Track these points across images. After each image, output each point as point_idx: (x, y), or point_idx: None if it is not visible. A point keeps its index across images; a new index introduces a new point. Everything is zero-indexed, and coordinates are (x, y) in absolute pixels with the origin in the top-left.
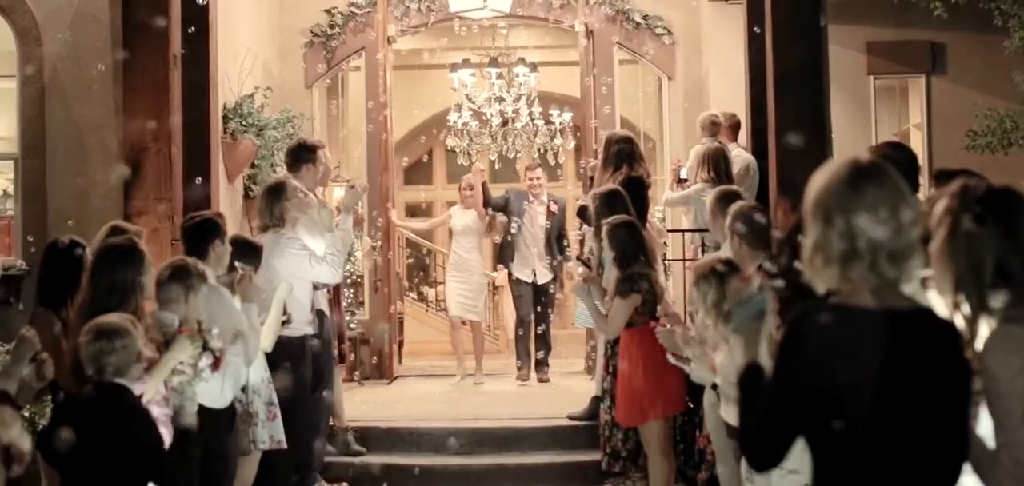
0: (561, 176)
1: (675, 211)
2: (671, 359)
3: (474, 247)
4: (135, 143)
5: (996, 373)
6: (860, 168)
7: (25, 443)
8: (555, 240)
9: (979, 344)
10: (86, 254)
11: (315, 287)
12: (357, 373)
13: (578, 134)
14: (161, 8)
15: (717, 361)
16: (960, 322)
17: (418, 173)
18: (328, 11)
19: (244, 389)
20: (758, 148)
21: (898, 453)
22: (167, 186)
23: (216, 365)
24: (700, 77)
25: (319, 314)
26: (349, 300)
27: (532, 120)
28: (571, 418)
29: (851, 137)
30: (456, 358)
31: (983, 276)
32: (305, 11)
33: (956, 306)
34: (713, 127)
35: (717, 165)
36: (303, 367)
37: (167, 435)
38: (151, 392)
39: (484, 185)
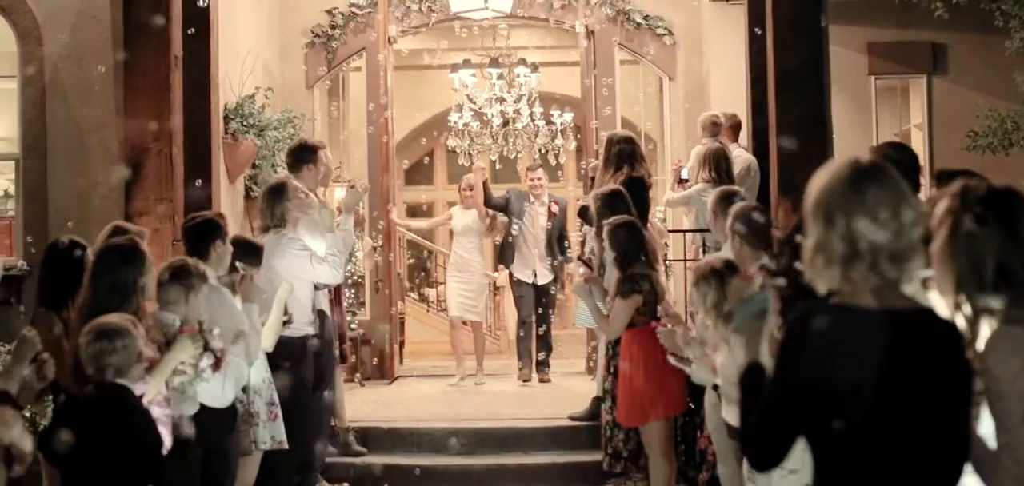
0: (562, 177)
1: (676, 211)
2: (672, 360)
3: (474, 247)
4: (136, 143)
5: (997, 373)
6: (861, 168)
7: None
8: (556, 241)
9: (980, 344)
10: (87, 255)
11: (316, 287)
12: (358, 374)
13: (579, 135)
14: (162, 8)
15: (717, 362)
16: (961, 322)
17: (419, 174)
18: (329, 11)
19: (245, 389)
20: (759, 148)
21: (899, 453)
22: (168, 186)
23: (217, 365)
24: (701, 77)
25: (320, 314)
26: (350, 300)
27: (533, 120)
28: (572, 418)
29: (852, 137)
30: (455, 359)
31: (984, 276)
32: (306, 11)
33: (957, 306)
34: (714, 127)
35: (718, 165)
36: (304, 367)
37: (168, 435)
38: (152, 392)
39: (485, 184)
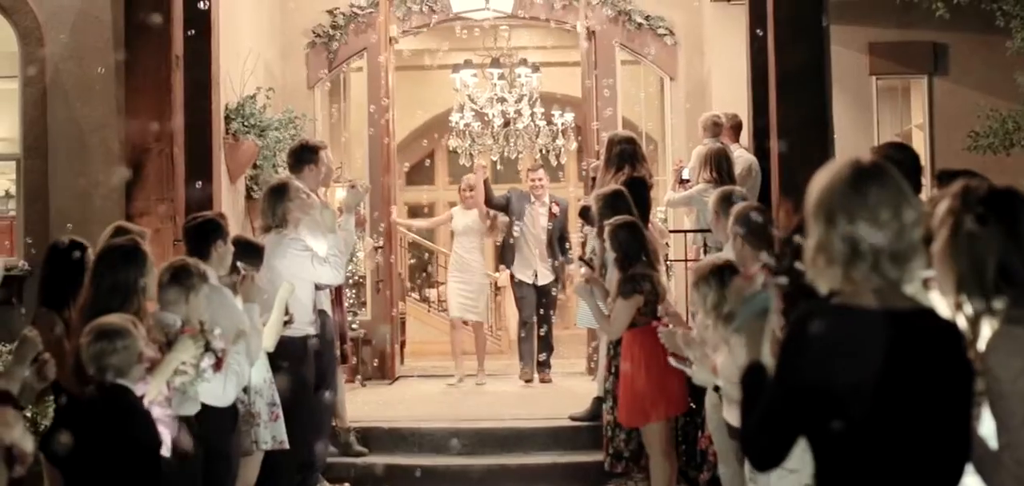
0: (563, 177)
1: (677, 212)
2: (672, 361)
3: (475, 247)
4: (137, 144)
5: (998, 374)
6: (862, 169)
7: (28, 444)
8: (557, 241)
9: (981, 345)
10: (88, 255)
11: (317, 287)
12: (359, 374)
13: (579, 136)
14: (163, 9)
15: (718, 362)
16: (962, 323)
17: (420, 174)
18: (330, 12)
19: (246, 390)
20: (760, 148)
21: (900, 454)
22: (169, 187)
23: (218, 365)
24: (702, 78)
25: (321, 314)
26: (351, 301)
27: (534, 121)
28: (573, 419)
29: (853, 138)
30: (454, 359)
31: (985, 277)
32: (307, 12)
33: (958, 307)
34: (715, 128)
35: (719, 166)
36: (305, 367)
37: (169, 436)
38: (153, 392)
39: (486, 183)
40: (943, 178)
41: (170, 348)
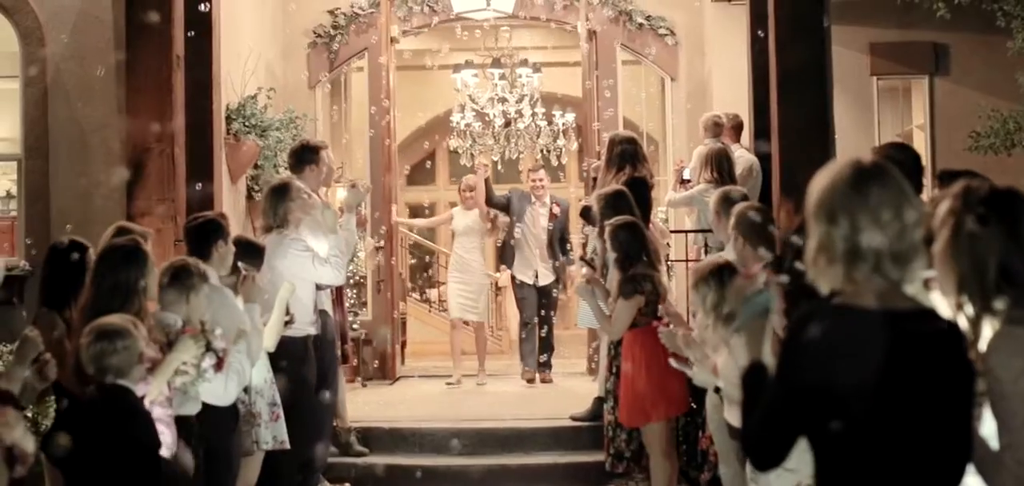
0: (563, 178)
1: (678, 212)
2: (672, 362)
3: (475, 248)
4: (138, 144)
5: (999, 374)
6: (863, 169)
7: (29, 444)
8: (557, 242)
9: (982, 345)
10: (89, 255)
11: (318, 287)
12: (359, 374)
13: (580, 137)
14: (163, 9)
15: (718, 363)
16: (963, 323)
17: (421, 174)
18: (331, 12)
19: (247, 390)
20: (761, 149)
21: (901, 454)
22: (170, 187)
23: (219, 365)
24: (703, 78)
25: (322, 314)
26: (352, 301)
27: (535, 121)
28: (574, 419)
29: (854, 138)
30: (453, 359)
31: (986, 277)
32: (308, 12)
33: (959, 307)
34: (716, 128)
35: (720, 166)
36: (306, 367)
37: (170, 436)
38: (155, 392)
39: (487, 182)
40: (944, 178)
41: (171, 348)
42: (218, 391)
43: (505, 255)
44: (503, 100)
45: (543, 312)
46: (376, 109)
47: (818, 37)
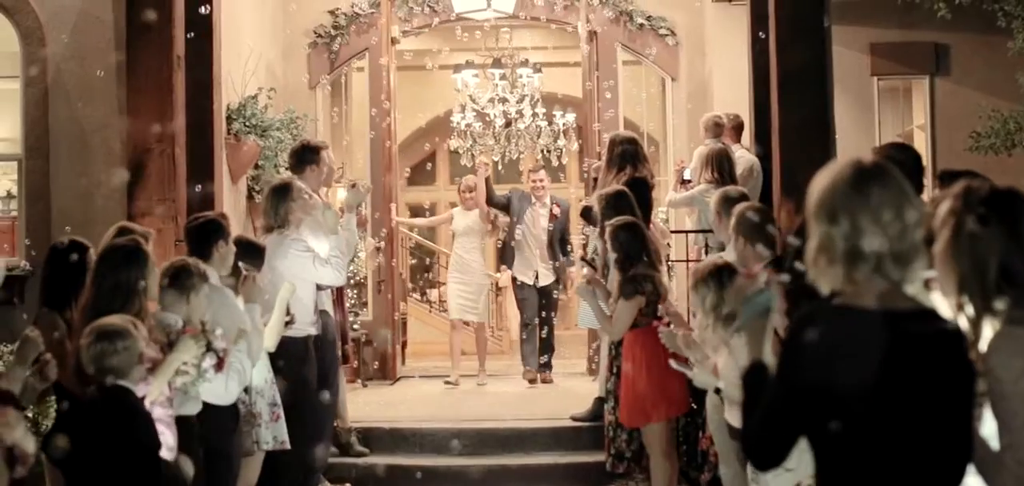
0: (564, 178)
1: (679, 212)
2: (672, 363)
3: (475, 248)
4: (138, 144)
5: (1000, 374)
6: (864, 169)
7: (29, 444)
8: (557, 243)
9: (983, 345)
10: (89, 255)
11: (319, 288)
12: (360, 375)
13: (580, 138)
14: (164, 9)
15: (718, 364)
16: (964, 324)
17: (422, 175)
18: (332, 12)
19: (247, 390)
20: (761, 149)
21: (901, 455)
22: (170, 187)
23: (220, 365)
24: (704, 78)
25: (323, 315)
26: (352, 301)
27: (535, 121)
28: (574, 419)
29: (855, 138)
30: (452, 360)
31: (987, 277)
32: (309, 12)
33: (960, 307)
34: (716, 128)
35: (721, 166)
36: (307, 368)
37: (171, 436)
38: (155, 393)
39: (488, 181)
40: (945, 179)
41: (172, 349)
42: (219, 391)
43: (505, 255)
44: (503, 100)
45: (543, 313)
46: (376, 110)
47: (819, 37)
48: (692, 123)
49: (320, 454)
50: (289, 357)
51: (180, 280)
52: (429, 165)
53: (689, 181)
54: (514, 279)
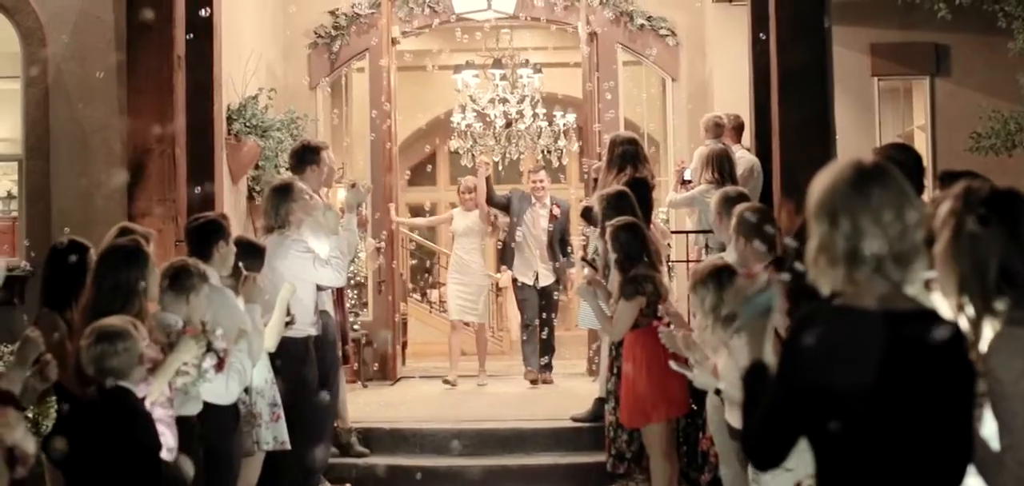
0: (564, 178)
1: (679, 212)
2: (672, 364)
3: (475, 248)
4: (139, 144)
5: (1000, 375)
6: (864, 169)
7: (29, 445)
8: (557, 243)
9: (983, 346)
10: (90, 256)
11: (319, 288)
12: (360, 375)
13: (581, 138)
14: (164, 9)
15: (718, 364)
16: (964, 324)
17: (422, 175)
18: (332, 13)
19: (248, 390)
20: (762, 149)
21: (902, 455)
22: (171, 187)
23: (220, 366)
24: (704, 78)
25: (323, 315)
26: (353, 302)
27: (536, 122)
28: (575, 419)
29: (855, 139)
30: (450, 360)
31: (987, 278)
32: (309, 12)
33: (960, 308)
34: (717, 129)
35: (721, 166)
36: (307, 368)
37: (172, 437)
38: (156, 393)
39: (488, 180)
40: (945, 179)
41: (172, 349)
42: (219, 391)
43: (505, 256)
44: (504, 101)
45: (544, 313)
46: (377, 110)
47: (819, 38)
48: (692, 123)
49: (320, 454)
50: (289, 357)
51: (180, 280)
52: (429, 166)
53: (689, 181)
54: (514, 280)
